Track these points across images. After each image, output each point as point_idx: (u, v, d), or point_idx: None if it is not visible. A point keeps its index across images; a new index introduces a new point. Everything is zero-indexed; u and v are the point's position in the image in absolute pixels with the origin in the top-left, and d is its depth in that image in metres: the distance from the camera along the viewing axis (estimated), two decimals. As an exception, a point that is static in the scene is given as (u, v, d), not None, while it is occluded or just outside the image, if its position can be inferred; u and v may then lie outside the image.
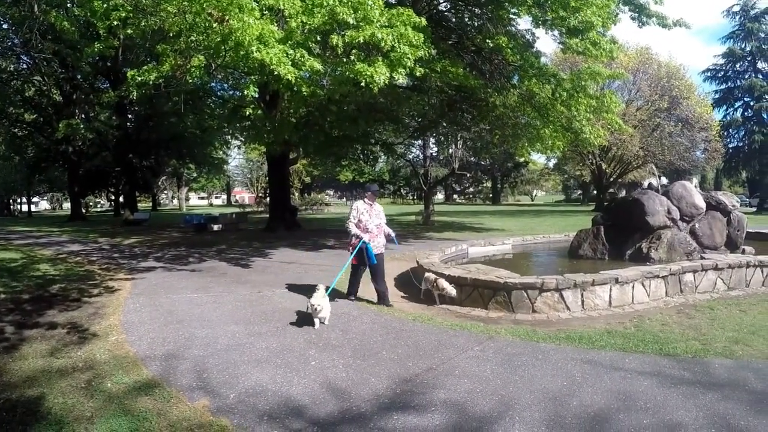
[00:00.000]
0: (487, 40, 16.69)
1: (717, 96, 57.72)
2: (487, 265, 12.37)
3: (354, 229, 10.40)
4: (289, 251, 18.38)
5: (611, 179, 57.72)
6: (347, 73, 11.34)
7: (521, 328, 8.58)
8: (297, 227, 27.93)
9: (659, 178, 16.24)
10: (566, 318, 9.39)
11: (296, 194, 67.38)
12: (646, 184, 15.71)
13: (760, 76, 54.62)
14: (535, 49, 19.01)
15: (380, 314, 9.46)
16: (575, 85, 17.37)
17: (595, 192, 63.90)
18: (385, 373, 6.38)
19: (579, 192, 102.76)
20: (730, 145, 58.00)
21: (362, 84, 11.17)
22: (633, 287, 10.36)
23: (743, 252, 13.83)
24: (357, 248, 10.30)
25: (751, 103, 54.59)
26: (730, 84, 57.27)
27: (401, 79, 11.97)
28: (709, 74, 58.21)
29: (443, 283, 10.50)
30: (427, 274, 11.10)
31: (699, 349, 7.39)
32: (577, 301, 9.78)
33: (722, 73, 57.52)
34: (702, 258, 12.52)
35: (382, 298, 10.52)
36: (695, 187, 15.44)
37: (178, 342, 7.57)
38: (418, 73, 12.16)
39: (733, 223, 14.44)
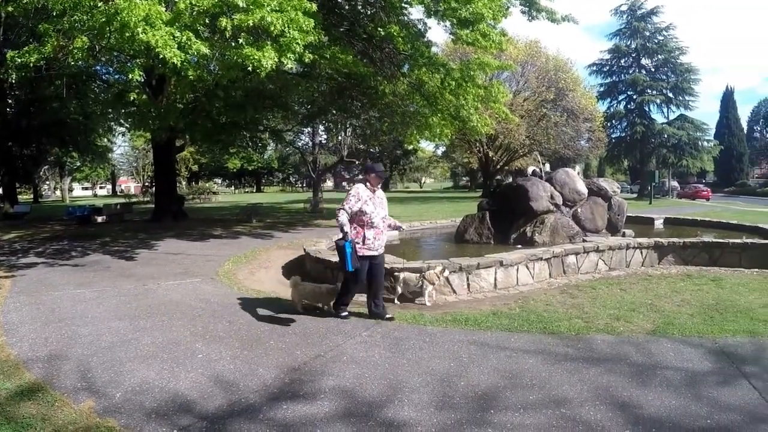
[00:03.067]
0: (379, 29, 16.67)
1: (602, 89, 60.57)
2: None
3: (343, 220, 7.97)
4: (175, 242, 17.94)
5: (498, 167, 59.04)
6: (235, 57, 11.09)
7: (408, 312, 8.72)
8: (184, 217, 27.19)
9: (543, 166, 16.71)
10: (453, 301, 9.63)
11: (183, 183, 66.12)
12: (530, 171, 16.13)
13: (644, 72, 57.83)
14: (426, 39, 19.13)
15: (268, 303, 9.33)
16: (464, 74, 17.67)
17: (482, 179, 65.03)
18: (273, 362, 6.33)
19: (467, 179, 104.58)
20: (613, 135, 60.88)
21: (249, 69, 10.98)
22: (517, 270, 10.74)
23: (624, 235, 14.62)
24: (346, 244, 7.79)
25: (634, 97, 57.38)
26: (614, 78, 60.11)
27: (290, 65, 11.73)
28: (595, 68, 60.98)
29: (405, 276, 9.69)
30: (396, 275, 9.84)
31: (582, 326, 7.80)
32: (463, 284, 10.07)
33: (608, 67, 60.37)
34: (584, 241, 13.16)
35: (371, 308, 8.46)
36: (578, 174, 15.98)
37: (61, 341, 7.21)
38: (307, 59, 12.05)
39: (613, 207, 15.12)
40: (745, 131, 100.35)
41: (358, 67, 16.40)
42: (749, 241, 13.85)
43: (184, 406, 5.19)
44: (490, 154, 55.84)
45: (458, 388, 5.55)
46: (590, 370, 6.10)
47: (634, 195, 57.84)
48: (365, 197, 8.23)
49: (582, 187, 14.86)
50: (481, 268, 10.21)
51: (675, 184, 66.48)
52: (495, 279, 10.42)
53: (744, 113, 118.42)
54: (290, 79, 21.33)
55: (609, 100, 60.65)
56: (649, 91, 56.12)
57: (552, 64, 52.89)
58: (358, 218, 8.18)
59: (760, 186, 79.29)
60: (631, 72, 58.20)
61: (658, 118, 59.25)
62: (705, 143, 58.92)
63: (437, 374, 5.92)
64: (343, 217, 8.01)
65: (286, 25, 10.85)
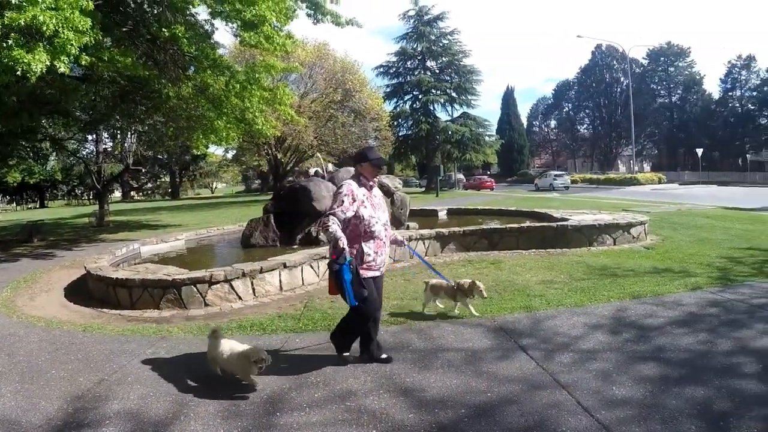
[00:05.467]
0: (164, 29, 16.20)
1: (389, 89, 63.08)
2: (160, 263, 12.09)
3: (336, 230, 5.82)
4: (-52, 273, 16.05)
5: (287, 168, 58.90)
6: (5, 59, 10.41)
7: (194, 323, 8.45)
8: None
9: (326, 165, 16.98)
10: (239, 308, 9.44)
11: (-39, 204, 61.10)
12: (312, 171, 16.33)
13: (429, 73, 61.21)
14: (213, 41, 18.85)
15: (49, 330, 8.56)
16: (249, 77, 17.60)
17: (273, 181, 64.89)
18: (56, 393, 5.86)
19: (259, 182, 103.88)
20: (400, 134, 63.45)
21: (19, 73, 10.35)
22: (302, 270, 10.80)
23: (408, 228, 15.22)
24: (342, 268, 5.78)
25: (420, 97, 60.55)
26: (401, 79, 62.96)
27: (63, 68, 11.10)
28: (382, 70, 63.71)
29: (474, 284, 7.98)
30: (433, 282, 8.35)
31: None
32: (248, 289, 9.90)
33: (394, 69, 63.28)
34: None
35: (371, 352, 6.37)
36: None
37: None
38: (84, 62, 11.57)
39: (396, 203, 15.69)
40: (525, 126, 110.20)
41: (137, 70, 15.85)
42: (525, 225, 15.28)
43: (-35, 457, 4.73)
44: (279, 155, 55.57)
45: (245, 395, 5.52)
46: (373, 361, 6.28)
47: (422, 189, 61.20)
48: (360, 195, 6.14)
49: (364, 184, 15.22)
50: (264, 271, 10.15)
51: (461, 176, 71.05)
52: (280, 281, 10.40)
53: (525, 110, 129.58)
54: (69, 83, 20.32)
55: (395, 100, 63.43)
56: (433, 91, 59.21)
57: (340, 66, 53.52)
58: (352, 227, 6.12)
59: (539, 175, 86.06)
60: (416, 73, 61.28)
61: (443, 116, 62.87)
62: (487, 138, 63.39)
63: (221, 383, 5.84)
64: (335, 227, 5.85)
65: (60, 25, 10.34)
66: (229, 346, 5.92)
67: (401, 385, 5.59)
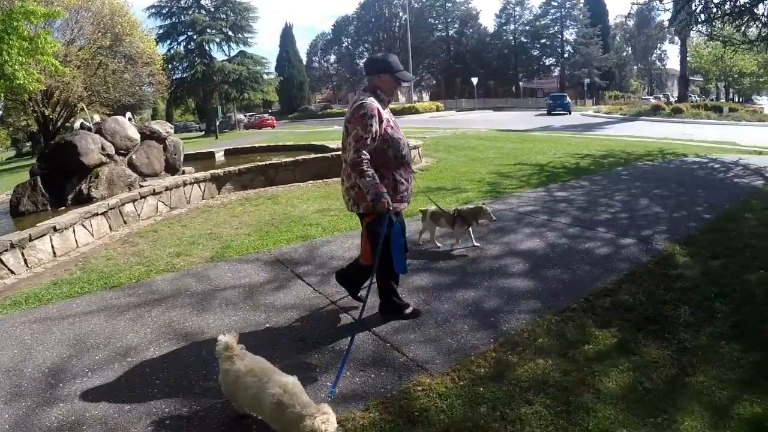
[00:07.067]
0: None
1: (161, 31, 61.26)
2: None
3: (376, 179, 4.67)
4: None
5: (58, 125, 55.35)
6: None
7: None
8: None
9: (92, 117, 16.23)
10: (13, 282, 8.54)
11: None
12: (77, 124, 15.45)
13: (203, 12, 60.32)
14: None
15: None
16: (7, 26, 16.43)
17: (44, 141, 60.98)
18: None
19: (29, 144, 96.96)
20: (175, 77, 61.49)
21: None
22: (74, 231, 10.15)
23: (183, 173, 14.86)
24: (393, 234, 4.91)
25: (194, 37, 59.76)
26: (174, 20, 61.58)
27: None
28: (154, 11, 61.65)
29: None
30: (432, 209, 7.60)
31: (142, 272, 7.83)
32: (20, 261, 9.04)
33: (167, 9, 61.60)
34: (140, 186, 13.02)
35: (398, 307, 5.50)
36: (130, 120, 15.76)
37: None
38: None
39: (169, 148, 15.22)
40: (305, 62, 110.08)
41: None
42: (300, 158, 15.67)
43: None
44: (47, 112, 51.77)
45: (25, 373, 5.16)
46: (152, 312, 6.25)
47: (203, 132, 60.20)
48: (385, 116, 4.87)
49: (134, 132, 14.54)
50: (34, 239, 9.30)
51: (242, 116, 70.55)
52: (52, 247, 9.66)
53: (304, 46, 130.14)
54: None
55: (169, 42, 61.89)
56: (209, 30, 58.63)
57: (108, 9, 50.36)
58: (378, 153, 4.82)
59: (321, 109, 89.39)
60: (190, 13, 60.26)
61: (219, 56, 62.61)
62: (266, 76, 63.64)
63: (1, 367, 5.37)
64: (372, 171, 4.67)
65: None
66: (260, 378, 3.66)
67: (181, 331, 5.63)
